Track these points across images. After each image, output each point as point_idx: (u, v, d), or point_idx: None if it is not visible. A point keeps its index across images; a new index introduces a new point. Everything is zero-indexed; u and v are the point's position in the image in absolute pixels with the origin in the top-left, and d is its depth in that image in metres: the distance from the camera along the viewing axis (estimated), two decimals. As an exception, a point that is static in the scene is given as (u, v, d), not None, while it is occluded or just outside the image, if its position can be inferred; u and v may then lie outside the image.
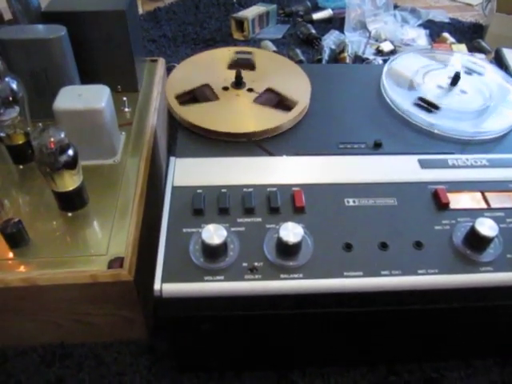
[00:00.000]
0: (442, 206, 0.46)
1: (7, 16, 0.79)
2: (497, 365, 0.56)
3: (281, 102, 0.62)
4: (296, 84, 0.65)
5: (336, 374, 0.54)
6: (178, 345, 0.47)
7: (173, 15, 1.41)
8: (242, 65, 0.68)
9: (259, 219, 0.44)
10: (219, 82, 0.65)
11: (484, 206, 0.47)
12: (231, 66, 0.68)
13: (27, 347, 0.56)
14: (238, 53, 0.71)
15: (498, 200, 0.47)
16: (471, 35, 1.33)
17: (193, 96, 0.64)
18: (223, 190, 0.46)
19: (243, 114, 0.60)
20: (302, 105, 0.61)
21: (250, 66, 0.69)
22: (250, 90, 0.64)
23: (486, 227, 0.41)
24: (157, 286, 0.39)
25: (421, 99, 0.62)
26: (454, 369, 0.55)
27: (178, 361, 0.52)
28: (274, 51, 1.13)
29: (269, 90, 0.64)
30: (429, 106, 0.62)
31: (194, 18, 1.39)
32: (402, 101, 0.62)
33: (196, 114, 0.59)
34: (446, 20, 1.41)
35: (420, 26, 1.35)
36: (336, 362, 0.54)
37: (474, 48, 1.19)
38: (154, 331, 0.57)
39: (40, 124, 0.65)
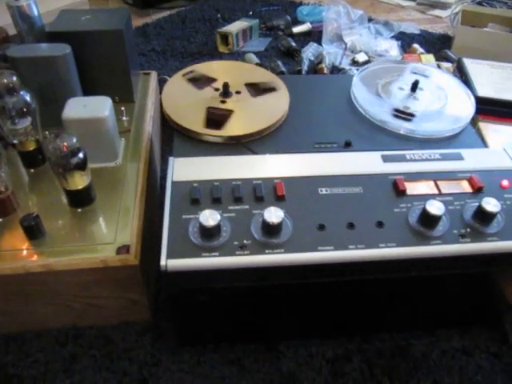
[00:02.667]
0: (400, 192, 0.55)
1: (11, 31, 0.86)
2: (457, 333, 0.64)
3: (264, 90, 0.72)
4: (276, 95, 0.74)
5: (316, 345, 0.61)
6: (179, 318, 0.55)
7: (161, 30, 1.49)
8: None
9: (247, 206, 0.52)
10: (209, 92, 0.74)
11: (436, 191, 0.55)
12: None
13: (42, 330, 0.62)
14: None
15: (447, 187, 0.56)
16: (440, 45, 1.42)
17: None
18: (216, 183, 0.54)
19: (231, 120, 0.68)
20: (282, 111, 0.69)
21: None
22: (238, 92, 0.73)
23: (435, 207, 0.50)
24: (163, 262, 0.47)
25: (397, 110, 0.71)
26: (420, 337, 0.63)
27: (178, 335, 0.59)
28: (257, 63, 1.21)
29: (248, 85, 0.73)
30: (406, 116, 0.70)
31: (181, 33, 1.47)
32: (369, 107, 0.71)
33: (189, 120, 0.67)
34: (417, 32, 1.50)
35: (392, 37, 1.42)
36: (316, 334, 0.61)
37: (441, 57, 1.28)
38: (155, 312, 0.64)
39: (47, 132, 0.72)
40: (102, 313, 0.61)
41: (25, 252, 0.56)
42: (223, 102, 0.72)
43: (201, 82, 0.76)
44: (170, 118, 0.69)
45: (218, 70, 0.81)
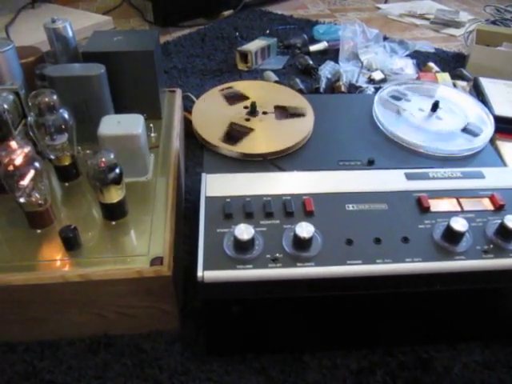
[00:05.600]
0: (424, 209, 0.57)
1: (44, 48, 0.90)
2: (478, 347, 0.65)
3: (291, 115, 0.74)
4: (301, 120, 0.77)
5: (341, 356, 0.63)
6: (210, 327, 0.57)
7: (181, 48, 1.53)
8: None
9: (277, 221, 0.55)
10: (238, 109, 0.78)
11: (458, 209, 0.57)
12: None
13: (75, 338, 0.64)
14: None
15: (469, 204, 0.58)
16: (455, 64, 1.44)
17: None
18: (247, 199, 0.57)
19: (258, 137, 0.71)
20: (307, 130, 0.72)
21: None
22: (265, 112, 0.75)
23: (459, 224, 0.52)
24: (199, 273, 0.49)
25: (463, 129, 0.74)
26: (441, 350, 0.64)
27: (207, 345, 0.61)
28: (276, 81, 1.24)
29: (277, 107, 0.76)
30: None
31: (201, 51, 1.50)
32: (390, 125, 0.74)
33: (219, 138, 0.70)
34: (432, 50, 1.53)
35: (408, 56, 1.44)
36: (341, 346, 0.63)
37: (456, 76, 1.29)
38: (183, 322, 0.66)
39: (79, 147, 0.75)
40: (133, 322, 0.64)
41: (62, 262, 0.59)
42: (247, 119, 0.75)
43: (234, 98, 0.80)
44: (199, 135, 0.72)
45: (255, 89, 0.84)
